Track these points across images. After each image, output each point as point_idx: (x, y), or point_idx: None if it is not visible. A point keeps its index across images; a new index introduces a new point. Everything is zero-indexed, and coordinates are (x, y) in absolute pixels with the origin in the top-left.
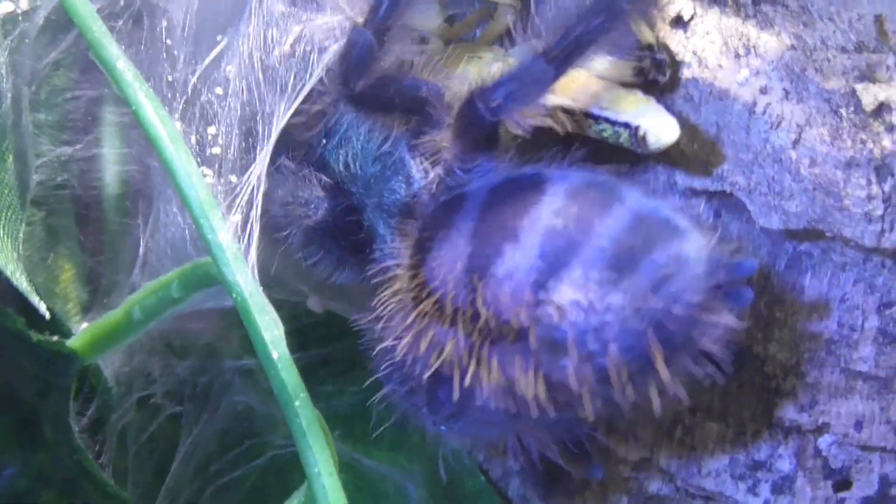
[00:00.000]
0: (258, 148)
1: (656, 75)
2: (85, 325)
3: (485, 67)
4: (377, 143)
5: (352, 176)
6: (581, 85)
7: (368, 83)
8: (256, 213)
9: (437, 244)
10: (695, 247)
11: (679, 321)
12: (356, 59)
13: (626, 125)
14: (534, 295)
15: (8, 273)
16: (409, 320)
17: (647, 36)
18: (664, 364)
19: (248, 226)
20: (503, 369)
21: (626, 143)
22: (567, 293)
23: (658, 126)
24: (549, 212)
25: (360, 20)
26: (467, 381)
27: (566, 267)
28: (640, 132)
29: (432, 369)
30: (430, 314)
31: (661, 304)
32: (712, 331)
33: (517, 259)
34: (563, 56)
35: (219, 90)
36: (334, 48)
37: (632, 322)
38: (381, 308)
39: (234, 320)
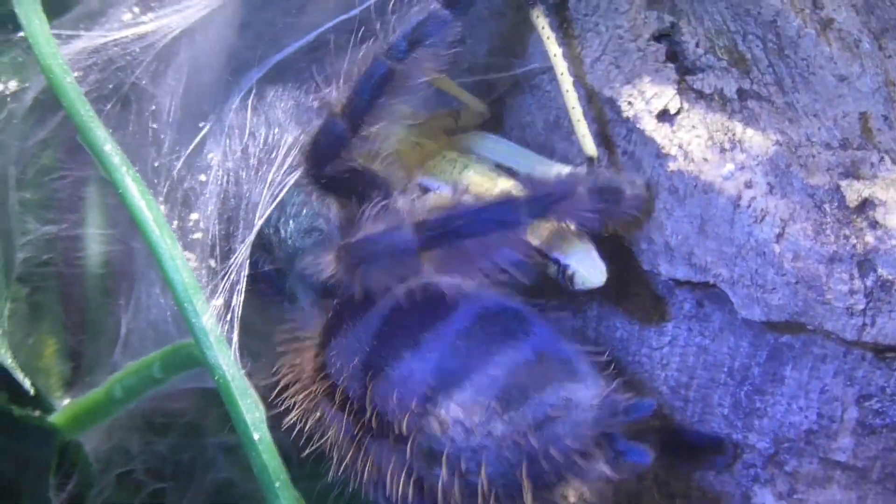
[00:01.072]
0: (241, 234)
1: None
2: (67, 401)
3: (443, 165)
4: (312, 218)
5: (280, 240)
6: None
7: (333, 168)
8: (239, 298)
9: (343, 332)
10: (588, 394)
11: (555, 462)
12: (325, 147)
13: (558, 263)
14: (421, 405)
15: None
16: (303, 395)
17: (590, 149)
18: (532, 497)
19: (231, 310)
20: (379, 464)
21: (559, 280)
22: (453, 411)
23: (587, 270)
24: (454, 330)
25: (337, 108)
26: (344, 465)
27: (458, 386)
28: (569, 272)
29: (314, 447)
30: (323, 394)
31: (540, 444)
32: (587, 474)
33: (413, 367)
34: None
35: (202, 177)
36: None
37: (509, 452)
38: (283, 371)
39: (215, 398)
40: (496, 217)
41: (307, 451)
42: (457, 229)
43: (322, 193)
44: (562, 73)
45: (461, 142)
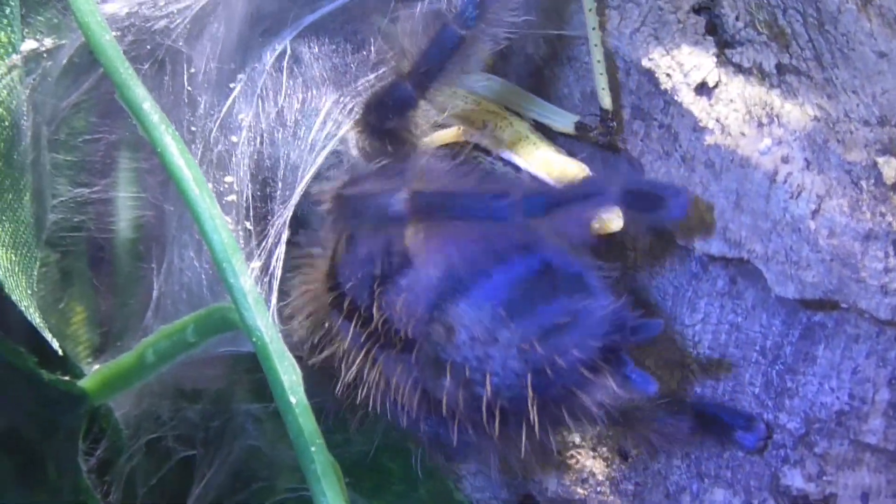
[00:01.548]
0: (280, 196)
1: (598, 136)
2: (96, 366)
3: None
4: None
5: None
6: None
7: (392, 125)
8: (278, 261)
9: (354, 244)
10: (596, 305)
11: (561, 373)
12: (392, 106)
13: None
14: (427, 311)
15: (22, 308)
16: (312, 307)
17: (606, 102)
18: (536, 410)
19: (269, 272)
20: (386, 374)
21: None
22: (459, 318)
23: (606, 213)
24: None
25: (405, 71)
26: (351, 374)
27: (464, 294)
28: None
29: (321, 357)
30: (332, 304)
31: (547, 353)
32: (593, 390)
33: (420, 275)
34: None
35: (234, 138)
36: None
37: (515, 362)
38: (294, 290)
39: (245, 366)
40: (489, 212)
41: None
42: (449, 209)
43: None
44: (595, 45)
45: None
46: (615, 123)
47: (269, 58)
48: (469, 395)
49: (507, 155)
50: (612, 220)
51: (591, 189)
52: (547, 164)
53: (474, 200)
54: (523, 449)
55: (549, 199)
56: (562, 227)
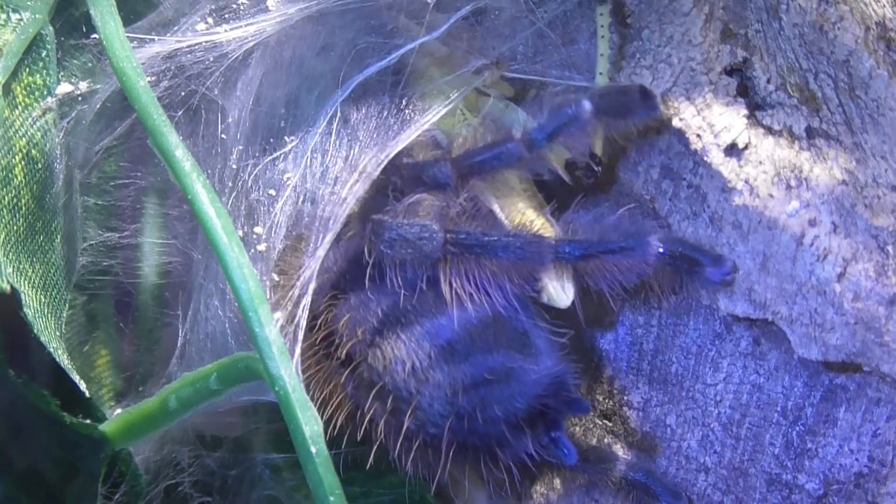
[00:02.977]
0: (311, 249)
1: (583, 176)
2: (118, 410)
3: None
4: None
5: None
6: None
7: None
8: (304, 312)
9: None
10: (533, 370)
11: (480, 425)
12: (426, 181)
13: None
14: (369, 335)
15: (51, 349)
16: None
17: (597, 147)
18: (452, 451)
19: (295, 322)
20: (325, 381)
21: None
22: (397, 349)
23: (555, 289)
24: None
25: (453, 155)
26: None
27: (407, 328)
28: (540, 284)
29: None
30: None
31: (470, 404)
32: (510, 447)
33: (371, 298)
34: None
35: (272, 191)
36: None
37: (439, 404)
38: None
39: (265, 415)
40: (524, 253)
41: None
42: (483, 247)
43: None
44: (600, 73)
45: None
46: (601, 168)
47: (322, 120)
48: (392, 422)
49: (486, 197)
50: (561, 296)
51: (629, 244)
52: (521, 214)
53: (514, 239)
54: (436, 480)
55: (589, 249)
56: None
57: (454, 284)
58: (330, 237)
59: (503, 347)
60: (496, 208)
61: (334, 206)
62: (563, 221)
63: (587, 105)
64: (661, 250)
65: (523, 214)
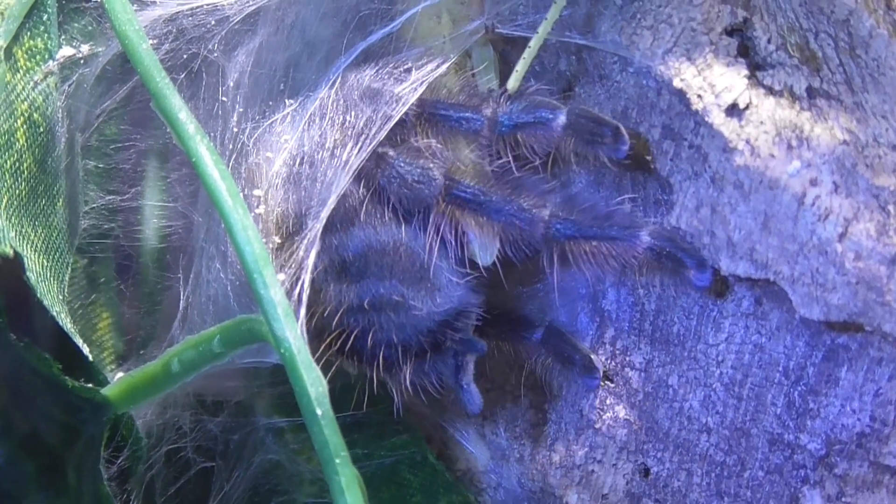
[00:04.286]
0: (314, 212)
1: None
2: (120, 374)
3: None
4: None
5: None
6: None
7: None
8: (307, 274)
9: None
10: (425, 305)
11: (386, 350)
12: (408, 190)
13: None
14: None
15: (54, 313)
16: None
17: (513, 85)
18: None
19: (299, 284)
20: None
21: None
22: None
23: (480, 246)
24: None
25: (453, 173)
26: None
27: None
28: (467, 238)
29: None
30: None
31: (368, 325)
32: (410, 369)
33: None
34: None
35: (269, 154)
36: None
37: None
38: None
39: (266, 379)
40: (522, 220)
41: None
42: (479, 205)
43: None
44: (539, 34)
45: None
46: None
47: (323, 87)
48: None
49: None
50: (485, 255)
51: (619, 234)
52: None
53: (508, 205)
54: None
55: (580, 231)
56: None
57: (438, 228)
58: (333, 199)
59: (396, 278)
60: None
61: (336, 169)
62: (562, 198)
63: (561, 118)
64: (649, 245)
65: None
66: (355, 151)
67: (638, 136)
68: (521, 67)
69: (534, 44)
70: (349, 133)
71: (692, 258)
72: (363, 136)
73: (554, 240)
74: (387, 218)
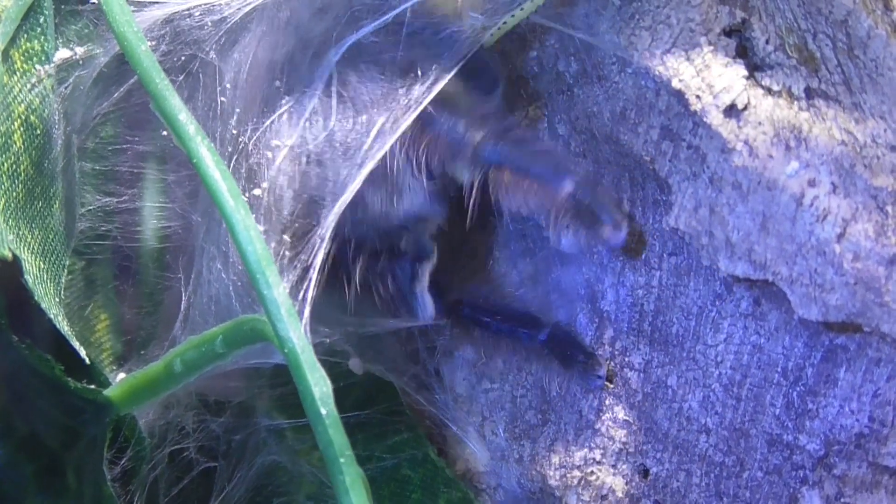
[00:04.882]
0: (324, 213)
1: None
2: (121, 375)
3: None
4: None
5: None
6: None
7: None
8: (314, 273)
9: None
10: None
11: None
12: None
13: None
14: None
15: (51, 316)
16: None
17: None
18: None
19: (305, 284)
20: None
21: None
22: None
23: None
24: None
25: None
26: None
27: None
28: None
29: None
30: None
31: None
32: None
33: None
34: None
35: (269, 154)
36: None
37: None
38: None
39: (269, 381)
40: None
41: None
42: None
43: None
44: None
45: None
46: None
47: (319, 83)
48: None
49: None
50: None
51: (545, 174)
52: None
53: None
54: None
55: (506, 160)
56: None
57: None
58: (346, 199)
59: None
60: None
61: (350, 168)
62: (503, 126)
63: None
64: (571, 193)
65: None
66: (371, 152)
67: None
68: (496, 35)
69: (511, 23)
70: (362, 133)
71: (609, 216)
72: (378, 138)
73: (479, 163)
74: None
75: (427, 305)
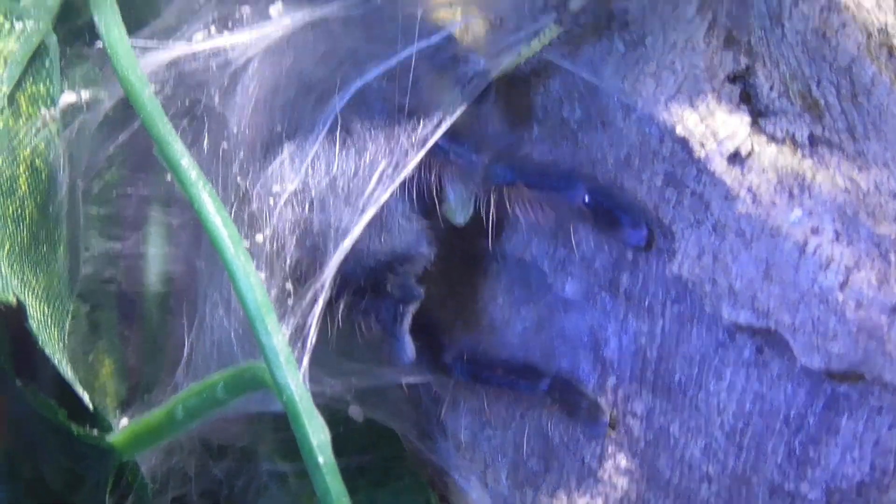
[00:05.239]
0: (325, 259)
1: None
2: (124, 420)
3: None
4: None
5: None
6: None
7: None
8: (314, 321)
9: None
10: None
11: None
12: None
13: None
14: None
15: (55, 361)
16: None
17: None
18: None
19: (304, 332)
20: None
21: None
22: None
23: (455, 203)
24: None
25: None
26: None
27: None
28: (444, 193)
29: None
30: None
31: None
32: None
33: None
34: None
35: (271, 200)
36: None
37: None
38: None
39: (272, 425)
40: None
41: None
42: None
43: None
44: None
45: None
46: None
47: (321, 127)
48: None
49: None
50: (458, 214)
51: (559, 184)
52: None
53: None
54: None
55: (519, 176)
56: None
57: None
58: (347, 245)
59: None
60: None
61: (352, 214)
62: (505, 144)
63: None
64: (587, 199)
65: None
66: (372, 198)
67: None
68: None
69: (523, 52)
70: (364, 177)
71: (627, 215)
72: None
73: (493, 183)
74: None
75: (407, 349)
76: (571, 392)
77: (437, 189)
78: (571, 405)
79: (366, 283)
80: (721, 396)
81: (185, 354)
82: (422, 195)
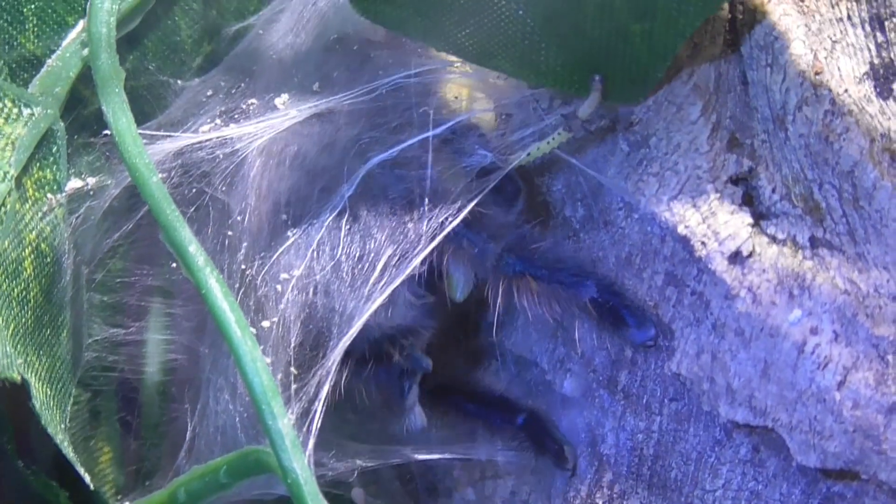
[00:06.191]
0: (331, 344)
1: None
2: None
3: None
4: None
5: None
6: None
7: None
8: (320, 406)
9: None
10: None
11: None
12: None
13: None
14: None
15: (57, 441)
16: None
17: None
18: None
19: (310, 416)
20: None
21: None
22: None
23: (457, 281)
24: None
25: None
26: None
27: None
28: (448, 273)
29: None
30: None
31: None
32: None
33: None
34: None
35: (279, 287)
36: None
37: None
38: None
39: None
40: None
41: None
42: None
43: None
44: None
45: None
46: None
47: (327, 214)
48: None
49: None
50: (456, 291)
51: (567, 280)
52: None
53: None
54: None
55: (529, 269)
56: None
57: None
58: (353, 332)
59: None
60: None
61: (357, 301)
62: (516, 235)
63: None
64: (594, 296)
65: None
66: (378, 286)
67: None
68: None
69: (532, 152)
70: (369, 264)
71: (633, 317)
72: (385, 272)
73: (503, 273)
74: None
75: (418, 419)
76: (543, 432)
77: (446, 272)
78: (542, 445)
79: (369, 353)
80: (717, 494)
81: (187, 439)
82: (431, 273)
